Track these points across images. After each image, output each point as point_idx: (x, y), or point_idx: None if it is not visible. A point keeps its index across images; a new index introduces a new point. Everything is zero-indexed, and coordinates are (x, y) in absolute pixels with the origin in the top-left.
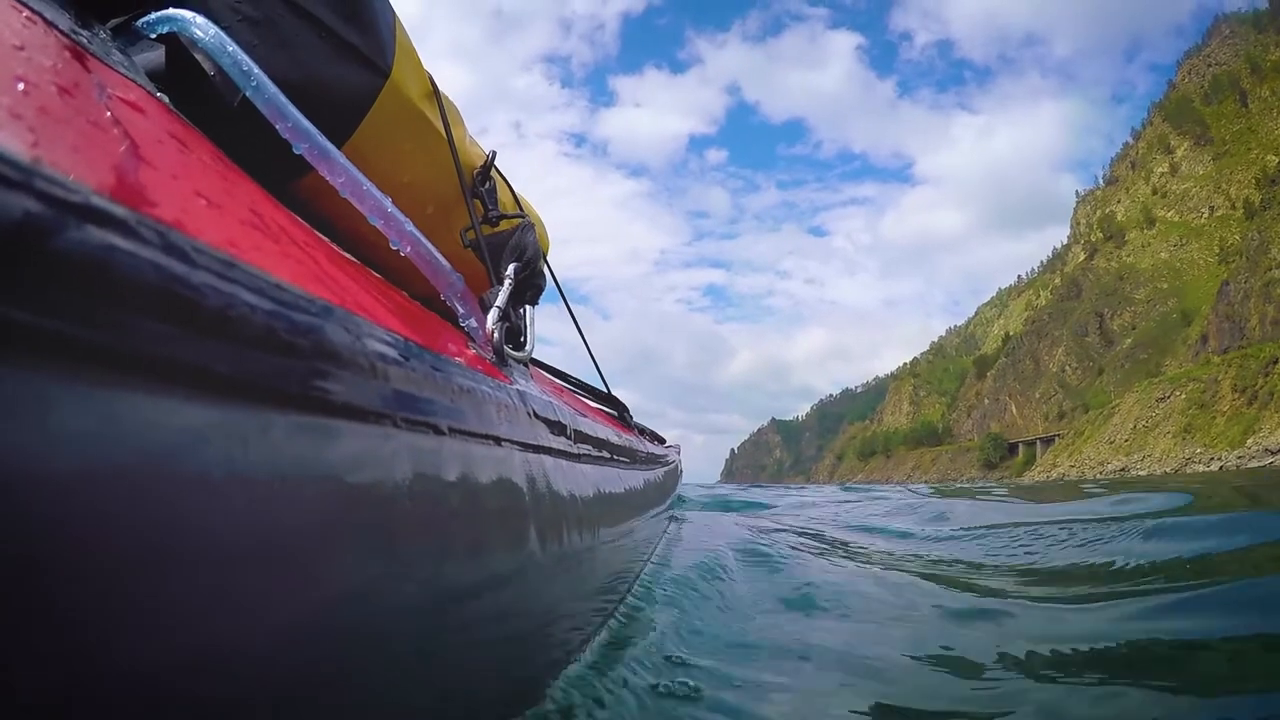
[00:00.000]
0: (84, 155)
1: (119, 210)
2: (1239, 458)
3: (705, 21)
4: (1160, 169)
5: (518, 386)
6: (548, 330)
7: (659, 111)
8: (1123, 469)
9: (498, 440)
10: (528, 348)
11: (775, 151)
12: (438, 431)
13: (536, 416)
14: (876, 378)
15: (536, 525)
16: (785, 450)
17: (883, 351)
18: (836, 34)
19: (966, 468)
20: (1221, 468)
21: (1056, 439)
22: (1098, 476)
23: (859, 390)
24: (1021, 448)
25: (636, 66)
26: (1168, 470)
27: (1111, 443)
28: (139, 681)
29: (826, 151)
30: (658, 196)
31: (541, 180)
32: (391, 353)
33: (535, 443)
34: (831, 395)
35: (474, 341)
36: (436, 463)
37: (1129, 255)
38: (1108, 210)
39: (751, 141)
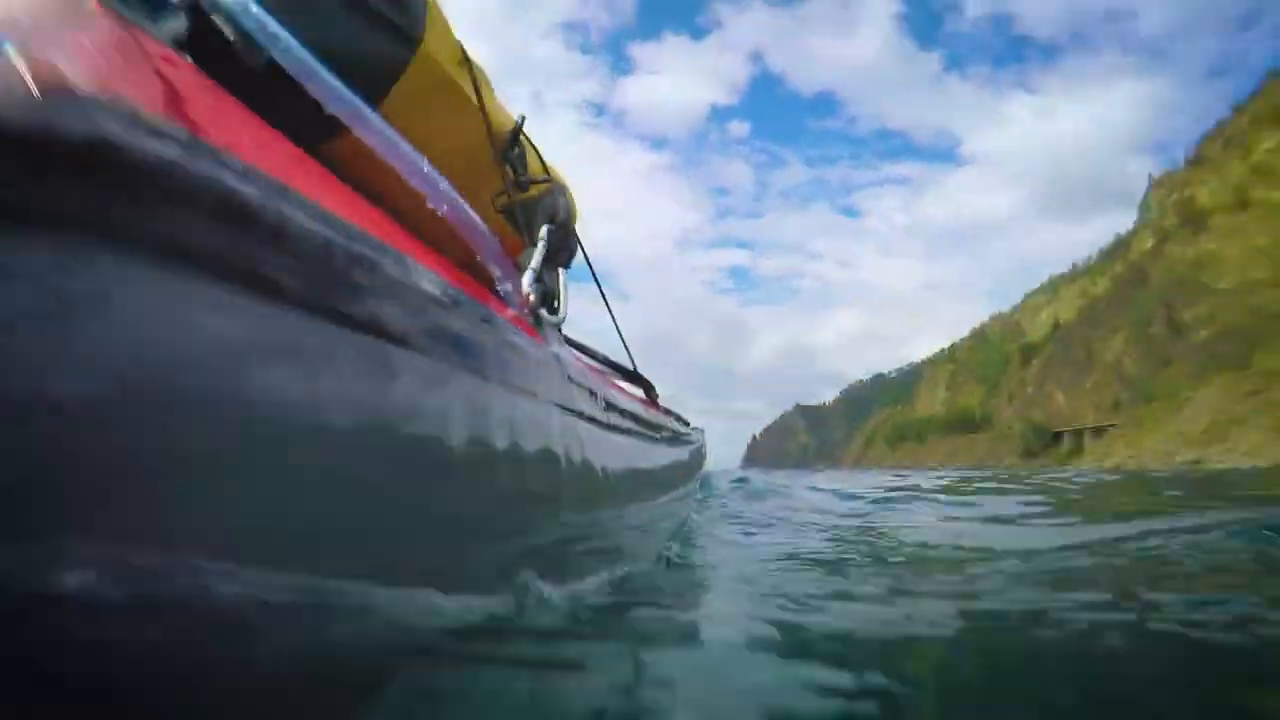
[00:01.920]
0: (144, 92)
1: (191, 135)
2: None
3: None
4: (1266, 144)
5: (554, 350)
6: (572, 311)
7: (679, 80)
8: (1196, 461)
9: (537, 396)
10: (561, 312)
11: (803, 125)
12: (485, 377)
13: (572, 380)
14: (911, 363)
15: (570, 483)
16: (810, 436)
17: (919, 337)
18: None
19: (1005, 455)
20: None
21: (1110, 429)
22: (1163, 468)
23: (892, 375)
24: (1067, 436)
25: (655, 32)
26: (1259, 464)
27: (1182, 434)
28: (166, 589)
29: (861, 128)
30: (679, 170)
31: (561, 150)
32: (444, 296)
33: (571, 405)
34: (862, 380)
35: (510, 303)
36: (482, 406)
37: (1211, 242)
38: (1186, 193)
39: (777, 114)
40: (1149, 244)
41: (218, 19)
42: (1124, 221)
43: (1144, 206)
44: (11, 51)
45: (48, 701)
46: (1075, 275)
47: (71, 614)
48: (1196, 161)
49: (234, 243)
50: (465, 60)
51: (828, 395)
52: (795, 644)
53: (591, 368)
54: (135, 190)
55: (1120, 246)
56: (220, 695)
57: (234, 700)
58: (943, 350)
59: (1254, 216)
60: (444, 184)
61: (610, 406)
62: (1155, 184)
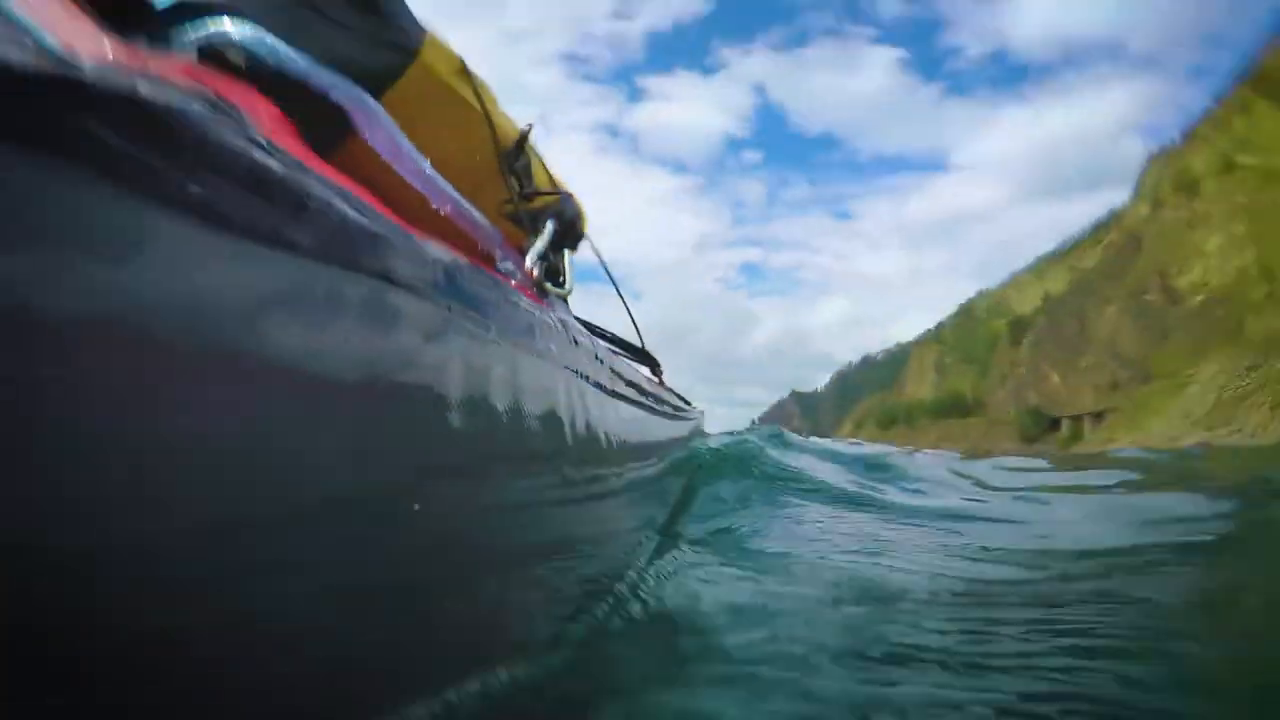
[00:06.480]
0: (179, 78)
1: (230, 109)
2: None
3: (733, 33)
4: (1242, 122)
5: (559, 315)
6: (581, 311)
7: (699, 112)
8: (1203, 443)
9: (542, 358)
10: (567, 286)
11: (809, 157)
12: (487, 331)
13: (577, 344)
14: (899, 343)
15: (572, 441)
16: (803, 420)
17: (906, 315)
18: (877, 48)
19: (1001, 440)
20: None
21: (1108, 414)
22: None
23: (879, 357)
24: (1065, 422)
25: (667, 67)
26: (1263, 444)
27: (1187, 416)
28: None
29: (863, 157)
30: (703, 191)
31: (581, 174)
32: (446, 258)
33: (576, 367)
34: (850, 363)
35: (514, 279)
36: (484, 357)
37: (1201, 204)
38: (1181, 165)
39: (785, 148)
40: (1144, 211)
41: (231, 51)
42: (1116, 198)
43: (1140, 182)
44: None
45: (48, 702)
46: (1063, 253)
47: (77, 591)
48: (1190, 137)
49: (270, 215)
50: (465, 70)
51: (820, 380)
52: None
53: (597, 340)
54: (198, 158)
55: (1114, 219)
56: (228, 687)
57: (243, 690)
58: (930, 330)
59: (1237, 179)
60: (448, 188)
61: (615, 374)
62: (1152, 159)
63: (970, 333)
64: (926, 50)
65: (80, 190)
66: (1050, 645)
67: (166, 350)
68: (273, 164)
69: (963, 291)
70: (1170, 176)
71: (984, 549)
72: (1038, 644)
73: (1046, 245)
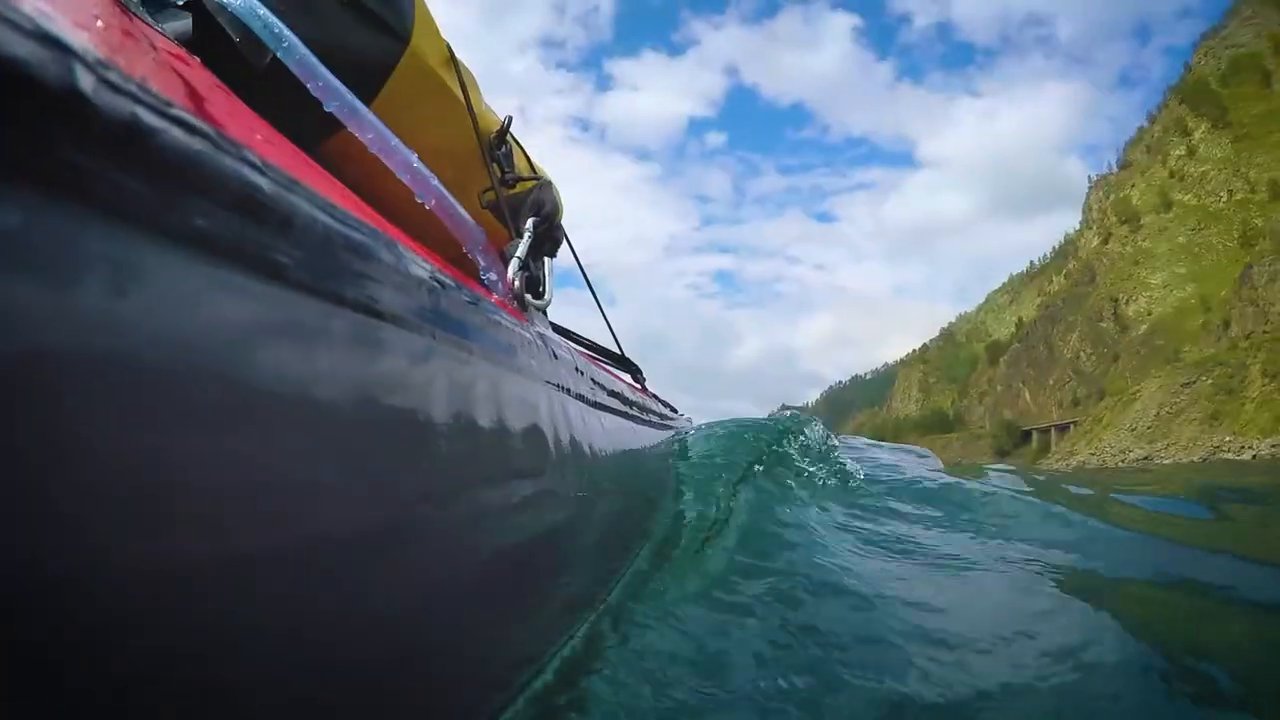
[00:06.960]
0: (159, 81)
1: (203, 125)
2: (1273, 446)
3: (701, 4)
4: (1177, 152)
5: (538, 329)
6: (557, 315)
7: (661, 95)
8: (1145, 458)
9: (522, 374)
10: (546, 297)
11: (780, 135)
12: (469, 352)
13: (556, 357)
14: (885, 364)
15: (557, 458)
16: None
17: (891, 338)
18: (835, 15)
19: (978, 455)
20: (1255, 456)
21: (1072, 426)
22: (1119, 465)
23: (868, 377)
24: (1035, 435)
25: (633, 50)
26: (1194, 459)
27: (1133, 430)
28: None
29: (833, 136)
30: (664, 181)
31: (546, 164)
32: (429, 278)
33: (557, 381)
34: (841, 382)
35: (495, 291)
36: (468, 380)
37: (1145, 240)
38: (1122, 194)
39: (753, 125)
40: (1094, 242)
41: (223, 19)
42: (1069, 220)
43: (1086, 206)
44: (34, 41)
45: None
46: (1032, 274)
47: (75, 607)
48: (1125, 165)
49: (245, 229)
50: (452, 59)
51: (810, 396)
52: None
53: (578, 350)
54: (154, 175)
55: (1069, 245)
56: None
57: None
58: (914, 351)
59: (1175, 216)
60: (433, 180)
61: (596, 385)
62: (1093, 186)
63: (952, 355)
64: (877, 18)
65: (28, 195)
66: None
67: (114, 372)
68: (259, 192)
69: (942, 314)
70: (1112, 205)
71: None
72: None
73: (1014, 264)
